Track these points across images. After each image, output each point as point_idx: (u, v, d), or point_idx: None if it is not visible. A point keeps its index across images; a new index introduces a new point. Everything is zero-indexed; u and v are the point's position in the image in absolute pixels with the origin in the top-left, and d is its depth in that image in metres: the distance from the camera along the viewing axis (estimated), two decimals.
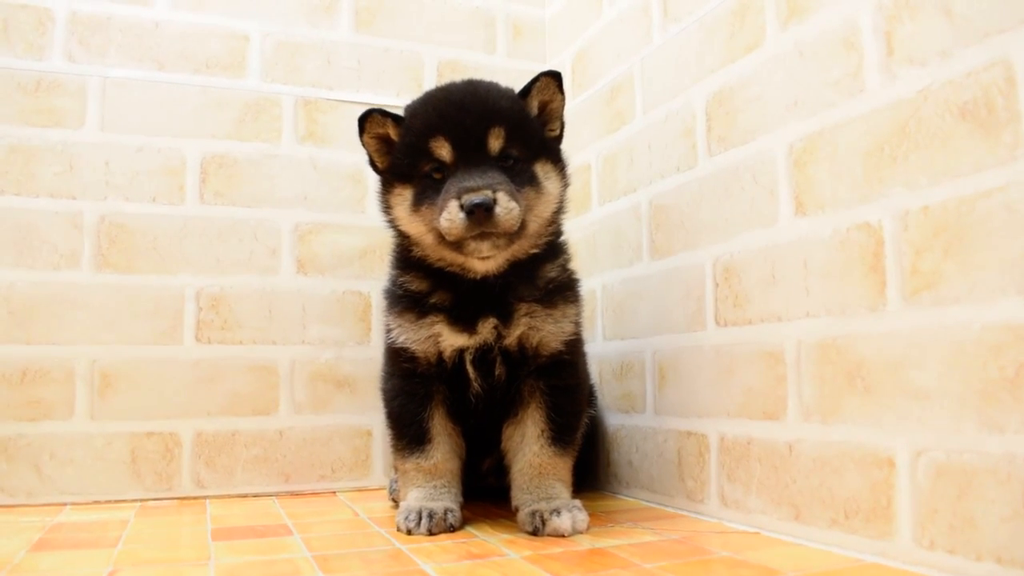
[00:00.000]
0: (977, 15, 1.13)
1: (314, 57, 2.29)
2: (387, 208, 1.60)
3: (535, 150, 1.56)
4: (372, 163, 1.64)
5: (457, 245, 1.46)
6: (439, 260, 1.55)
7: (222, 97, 2.18)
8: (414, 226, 1.53)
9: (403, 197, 1.55)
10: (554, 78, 1.60)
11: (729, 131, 1.64)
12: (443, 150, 1.48)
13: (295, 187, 2.22)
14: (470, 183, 1.42)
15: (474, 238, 1.43)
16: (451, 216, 1.42)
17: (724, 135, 1.65)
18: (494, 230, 1.42)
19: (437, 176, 1.50)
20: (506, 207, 1.41)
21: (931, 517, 1.15)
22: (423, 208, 1.50)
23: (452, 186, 1.45)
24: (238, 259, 2.14)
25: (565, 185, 1.62)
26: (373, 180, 2.25)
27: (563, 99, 1.63)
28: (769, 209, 1.52)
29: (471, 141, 1.48)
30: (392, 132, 1.59)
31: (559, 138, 1.66)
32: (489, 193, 1.40)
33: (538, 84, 1.59)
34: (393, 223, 1.60)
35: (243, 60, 2.22)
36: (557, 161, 1.61)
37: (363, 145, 1.62)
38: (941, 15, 1.18)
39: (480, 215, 1.39)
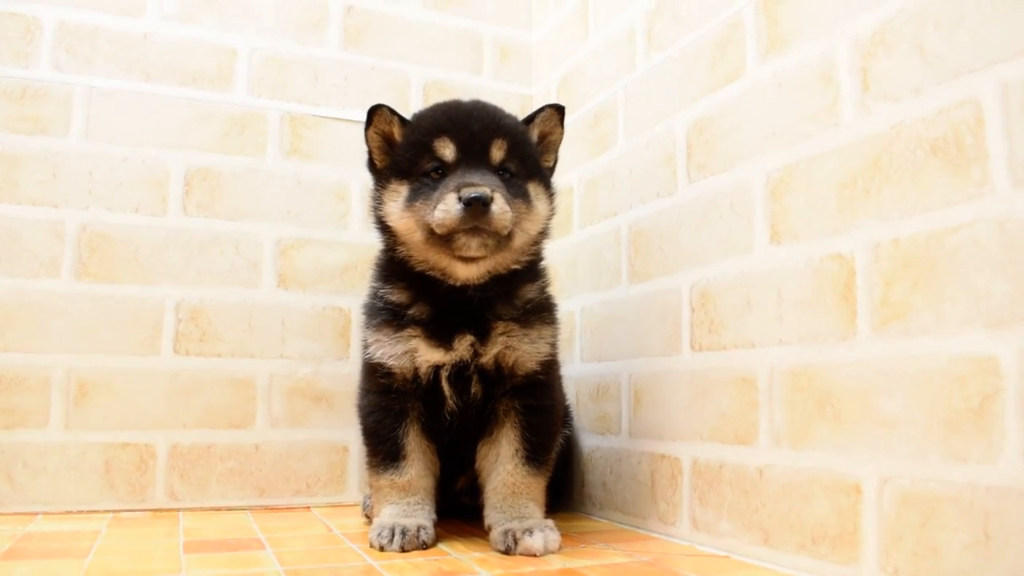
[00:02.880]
0: (950, 54, 1.16)
1: (301, 73, 2.31)
2: (379, 205, 1.61)
3: (531, 171, 1.61)
4: (371, 162, 1.66)
5: (446, 240, 1.48)
6: (423, 262, 1.57)
7: (208, 110, 2.19)
8: (404, 222, 1.55)
9: (398, 193, 1.57)
10: (558, 111, 1.68)
11: (708, 159, 1.67)
12: (447, 150, 1.53)
13: (278, 202, 2.23)
14: (470, 179, 1.47)
15: (465, 232, 1.46)
16: (447, 207, 1.45)
17: (703, 163, 1.68)
18: (487, 227, 1.45)
19: (435, 176, 1.53)
20: (501, 207, 1.46)
21: (896, 544, 1.17)
22: (417, 204, 1.52)
23: (451, 182, 1.49)
24: (219, 272, 2.14)
25: (552, 211, 1.66)
26: (357, 197, 2.28)
27: (562, 133, 1.71)
28: (745, 237, 1.54)
29: (475, 146, 1.53)
30: (396, 132, 1.62)
31: (552, 169, 1.72)
32: (488, 191, 1.44)
33: (542, 114, 1.67)
34: (383, 220, 1.61)
35: (230, 74, 2.23)
36: (548, 187, 1.66)
37: (366, 140, 1.65)
38: (915, 53, 1.21)
39: (477, 209, 1.43)
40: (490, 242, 1.48)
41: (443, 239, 1.48)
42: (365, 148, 1.66)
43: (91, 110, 2.08)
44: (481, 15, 2.56)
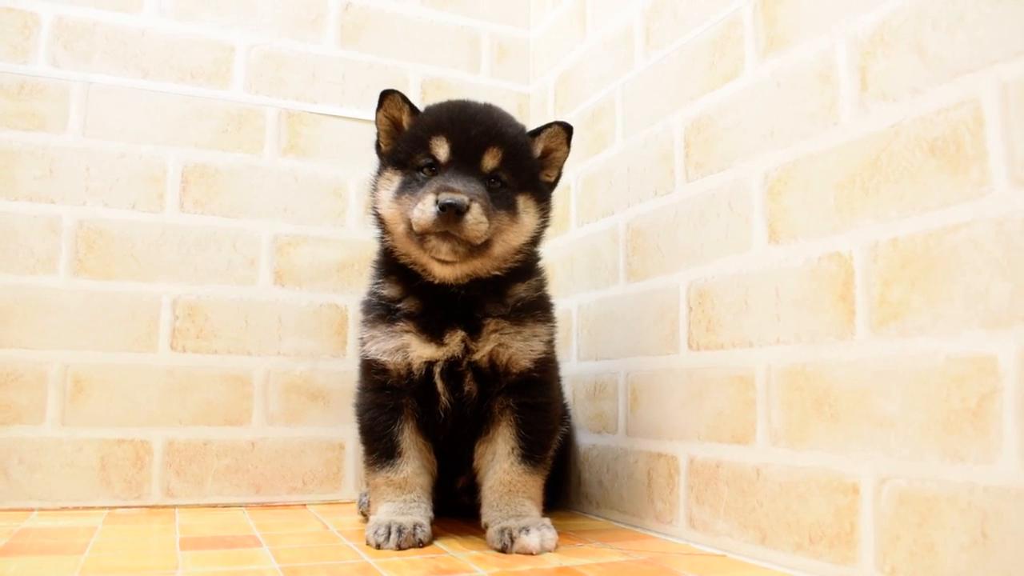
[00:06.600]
0: (949, 54, 1.16)
1: (299, 70, 2.30)
2: (374, 190, 1.64)
3: (524, 183, 1.60)
4: (378, 144, 1.69)
5: (421, 239, 1.49)
6: (405, 255, 1.59)
7: (205, 107, 2.19)
8: (390, 212, 1.57)
9: (390, 182, 1.59)
10: (565, 130, 1.68)
11: (706, 158, 1.66)
12: (441, 149, 1.54)
13: (275, 199, 2.22)
14: (452, 184, 1.47)
15: (437, 235, 1.47)
16: (424, 208, 1.46)
17: (701, 161, 1.68)
18: (457, 234, 1.46)
19: (427, 173, 1.55)
20: (476, 218, 1.46)
21: (893, 543, 1.17)
22: (404, 196, 1.54)
23: (435, 183, 1.49)
24: (216, 268, 2.14)
25: (543, 223, 1.66)
26: (354, 194, 2.28)
27: (567, 152, 1.71)
28: (743, 236, 1.54)
29: (468, 151, 1.54)
30: (405, 119, 1.64)
31: (553, 185, 1.71)
32: (465, 199, 1.45)
33: (549, 130, 1.67)
34: (375, 206, 1.63)
35: (228, 71, 2.22)
36: (542, 200, 1.65)
37: (376, 122, 1.67)
38: (914, 53, 1.21)
39: (450, 215, 1.44)
40: (460, 249, 1.48)
41: (419, 237, 1.49)
42: (375, 130, 1.68)
43: (88, 106, 2.08)
44: (479, 13, 2.55)
